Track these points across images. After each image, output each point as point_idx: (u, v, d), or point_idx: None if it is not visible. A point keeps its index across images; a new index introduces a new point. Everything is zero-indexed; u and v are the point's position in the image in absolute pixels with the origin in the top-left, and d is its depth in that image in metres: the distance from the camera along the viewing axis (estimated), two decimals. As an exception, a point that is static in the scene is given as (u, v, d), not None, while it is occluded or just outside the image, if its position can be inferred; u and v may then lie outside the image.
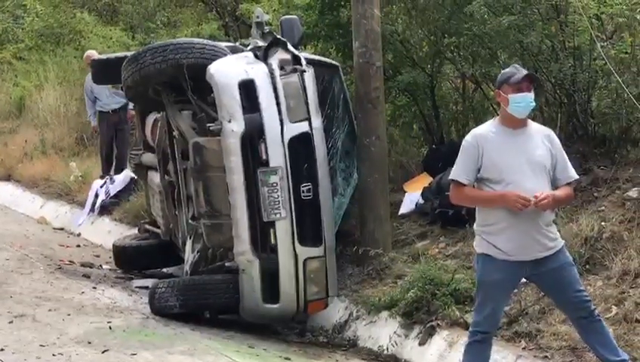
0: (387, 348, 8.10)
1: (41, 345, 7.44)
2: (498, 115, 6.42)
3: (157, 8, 19.62)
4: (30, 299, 8.92)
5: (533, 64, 9.53)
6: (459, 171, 6.12)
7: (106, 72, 10.90)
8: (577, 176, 6.34)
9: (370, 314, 8.57)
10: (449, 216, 9.52)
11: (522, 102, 6.08)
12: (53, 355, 7.21)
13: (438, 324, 7.82)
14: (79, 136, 16.16)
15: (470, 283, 7.98)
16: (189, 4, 19.33)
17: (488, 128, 6.18)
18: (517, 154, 6.04)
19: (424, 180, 10.41)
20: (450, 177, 6.18)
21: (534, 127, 6.24)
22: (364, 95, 9.54)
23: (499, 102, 6.21)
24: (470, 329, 6.31)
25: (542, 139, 6.16)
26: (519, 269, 6.14)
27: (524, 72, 6.15)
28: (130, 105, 12.93)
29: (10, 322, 8.10)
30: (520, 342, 7.32)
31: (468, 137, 6.18)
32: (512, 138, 6.09)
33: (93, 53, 13.80)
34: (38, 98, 19.06)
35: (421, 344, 7.83)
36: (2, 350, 7.28)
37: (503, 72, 6.26)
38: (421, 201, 10.12)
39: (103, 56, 11.67)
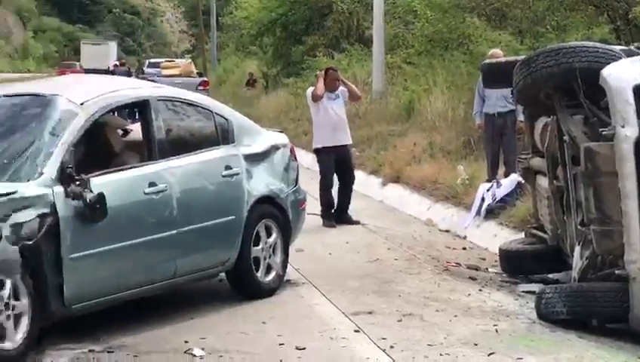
0: None
1: (428, 345, 7.62)
2: None
3: (546, 12, 19.46)
4: (418, 299, 9.14)
5: None
6: None
7: (495, 76, 10.96)
8: None
9: None
10: None
11: None
12: (440, 355, 7.37)
13: None
14: (466, 139, 16.30)
15: None
16: (580, 7, 19.02)
17: None
18: None
19: None
20: None
21: None
22: None
23: None
24: None
25: None
26: None
27: None
28: (520, 117, 12.91)
29: (399, 320, 8.36)
30: None
31: None
32: None
33: (498, 53, 13.90)
34: (427, 102, 19.46)
35: None
36: (392, 347, 7.53)
37: None
38: None
39: (493, 61, 11.72)
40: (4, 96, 8.57)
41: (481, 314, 8.64)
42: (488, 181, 13.62)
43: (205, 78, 42.75)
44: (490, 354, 7.40)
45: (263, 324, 8.20)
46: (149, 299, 8.42)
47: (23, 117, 7.97)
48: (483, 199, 13.19)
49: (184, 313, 8.46)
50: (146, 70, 45.65)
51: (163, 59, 50.58)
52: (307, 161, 16.64)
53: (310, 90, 13.82)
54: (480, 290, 9.61)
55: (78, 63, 66.25)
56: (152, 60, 52.89)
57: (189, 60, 49.58)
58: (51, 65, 79.80)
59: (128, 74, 38.34)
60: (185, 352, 7.34)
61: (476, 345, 7.63)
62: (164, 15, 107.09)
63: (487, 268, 10.73)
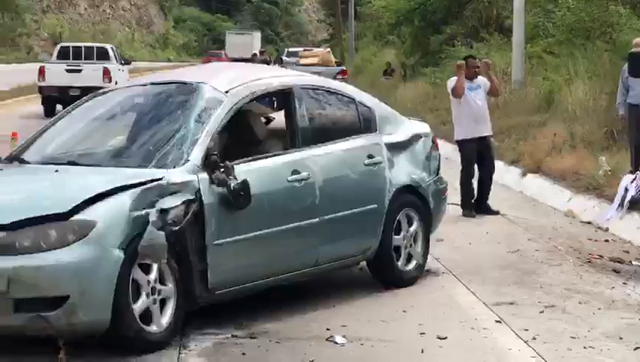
0: None
1: (571, 337, 7.53)
2: None
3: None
4: (560, 291, 9.03)
5: None
6: None
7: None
8: None
9: None
10: None
11: None
12: (584, 348, 7.27)
13: None
14: (609, 130, 15.98)
15: None
16: None
17: None
18: None
19: None
20: None
21: None
22: None
23: None
24: None
25: None
26: None
27: None
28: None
29: (541, 312, 8.28)
30: None
31: None
32: None
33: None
34: (567, 92, 19.15)
35: None
36: (534, 339, 7.46)
37: None
38: None
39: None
40: (151, 84, 8.77)
41: (625, 308, 8.49)
42: (632, 172, 13.34)
43: (344, 67, 42.83)
44: (636, 348, 7.29)
45: (403, 313, 8.22)
46: (291, 286, 8.50)
47: (170, 104, 8.13)
48: (626, 190, 12.92)
49: (326, 300, 8.52)
50: (285, 59, 46.11)
51: (301, 49, 51.00)
52: (446, 150, 16.50)
53: (451, 82, 13.68)
54: (624, 283, 9.44)
55: (223, 52, 67.32)
56: (291, 49, 53.46)
57: (328, 49, 49.81)
58: (190, 55, 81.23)
59: (266, 62, 38.66)
60: (327, 339, 7.39)
61: (621, 338, 7.51)
62: (302, 4, 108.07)
63: (631, 261, 10.52)
